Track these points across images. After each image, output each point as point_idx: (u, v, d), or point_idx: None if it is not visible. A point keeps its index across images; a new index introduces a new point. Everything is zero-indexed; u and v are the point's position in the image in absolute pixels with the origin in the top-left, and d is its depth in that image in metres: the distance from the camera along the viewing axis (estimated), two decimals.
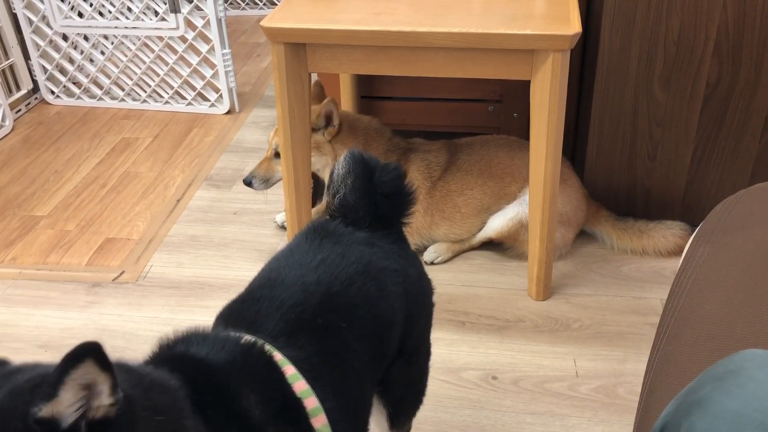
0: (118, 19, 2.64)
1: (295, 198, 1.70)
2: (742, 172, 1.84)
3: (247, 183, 1.90)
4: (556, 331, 1.63)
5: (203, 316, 1.71)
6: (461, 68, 1.50)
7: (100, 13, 2.70)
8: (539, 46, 1.42)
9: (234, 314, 0.95)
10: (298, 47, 1.53)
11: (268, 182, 1.89)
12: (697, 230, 1.24)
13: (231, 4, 3.81)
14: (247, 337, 0.87)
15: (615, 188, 1.92)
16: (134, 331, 1.68)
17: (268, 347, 0.85)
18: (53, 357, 1.72)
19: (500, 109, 2.20)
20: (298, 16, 1.55)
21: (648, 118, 1.81)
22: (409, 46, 1.48)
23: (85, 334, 1.67)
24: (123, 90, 2.79)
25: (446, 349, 1.59)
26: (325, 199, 1.96)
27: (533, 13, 1.51)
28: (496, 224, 1.79)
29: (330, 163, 1.80)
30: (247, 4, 3.81)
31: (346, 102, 2.21)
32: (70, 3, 2.65)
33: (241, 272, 1.86)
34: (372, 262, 0.98)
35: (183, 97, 2.76)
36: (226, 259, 1.91)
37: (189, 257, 1.93)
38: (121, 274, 1.87)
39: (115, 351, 1.61)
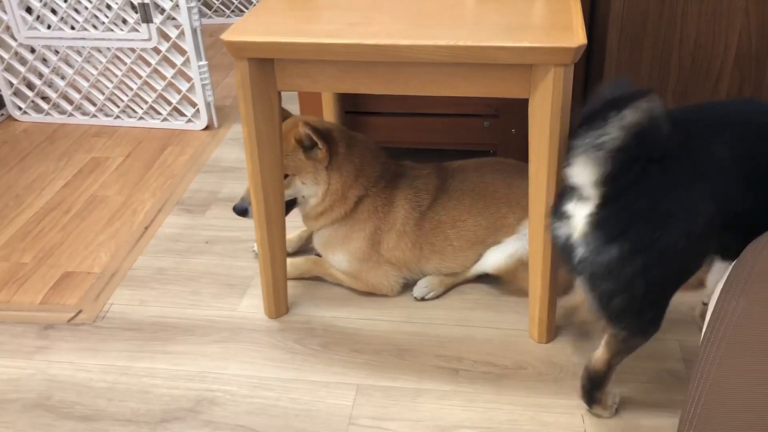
0: (86, 30, 2.46)
1: (267, 231, 1.52)
2: None
3: (241, 211, 1.62)
4: (561, 380, 1.44)
5: (165, 363, 1.53)
6: (450, 86, 1.32)
7: (71, 27, 2.52)
8: (538, 61, 1.24)
9: None
10: (265, 63, 1.35)
11: None
12: (726, 277, 1.05)
13: (216, 11, 3.63)
14: None
15: None
16: (86, 382, 1.49)
17: None
18: None
19: (497, 125, 2.02)
20: (265, 28, 1.37)
21: None
22: (390, 62, 1.30)
23: (30, 386, 1.49)
24: (95, 105, 2.61)
25: (437, 403, 1.40)
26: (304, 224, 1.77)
27: (531, 22, 1.33)
28: (493, 261, 1.60)
29: (322, 194, 1.60)
30: (233, 11, 3.64)
31: (328, 118, 2.03)
32: (35, 13, 2.47)
33: (209, 311, 1.68)
34: None
35: (158, 113, 2.58)
36: (193, 295, 1.73)
37: (154, 293, 1.74)
38: (78, 313, 1.69)
39: (63, 406, 1.42)
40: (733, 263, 1.04)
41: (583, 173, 1.11)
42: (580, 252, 1.15)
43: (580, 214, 1.16)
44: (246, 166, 1.47)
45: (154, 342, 1.59)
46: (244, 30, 1.35)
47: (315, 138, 1.52)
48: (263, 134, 1.41)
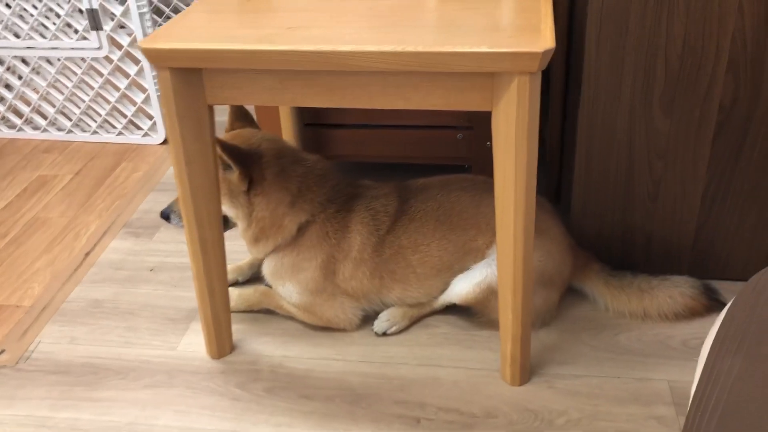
0: (32, 38, 2.29)
1: (203, 261, 1.34)
2: (765, 215, 1.49)
3: (164, 216, 1.52)
4: (535, 430, 1.27)
5: (90, 413, 1.35)
6: (401, 98, 1.15)
7: (16, 35, 2.35)
8: (500, 68, 1.07)
9: None
10: (191, 73, 1.18)
11: None
12: (716, 328, 0.88)
13: None
14: None
15: (608, 236, 1.56)
16: None
17: None
18: None
19: (471, 137, 1.85)
20: (191, 33, 1.20)
21: (647, 150, 1.45)
22: (332, 71, 1.13)
23: None
24: (45, 119, 2.44)
25: None
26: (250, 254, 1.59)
27: (495, 24, 1.16)
28: (461, 289, 1.43)
29: (243, 218, 1.44)
30: None
31: (287, 131, 1.86)
32: None
33: (145, 350, 1.50)
34: None
35: (113, 126, 2.41)
36: (129, 332, 1.55)
37: (86, 330, 1.57)
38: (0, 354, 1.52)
39: None
40: (723, 311, 0.87)
41: None
42: None
43: None
44: (177, 188, 1.29)
45: (80, 387, 1.42)
46: (166, 35, 1.18)
47: (226, 159, 1.34)
48: (192, 154, 1.24)
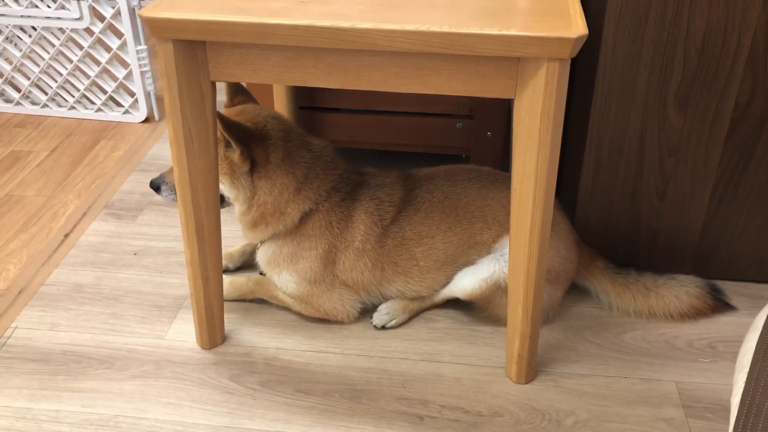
0: (6, 5, 2.16)
1: (198, 248, 1.27)
2: None
3: (155, 186, 1.42)
4: (542, 431, 1.23)
5: (73, 405, 1.27)
6: (419, 81, 1.09)
7: None
8: (529, 53, 1.01)
9: None
10: (195, 46, 1.11)
11: None
12: (756, 334, 0.84)
13: None
14: None
15: (613, 232, 1.53)
16: None
17: None
18: None
19: (471, 126, 1.80)
20: (196, 3, 1.12)
21: (659, 146, 1.42)
22: (348, 49, 1.07)
23: None
24: (19, 91, 2.31)
25: None
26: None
27: (519, 7, 1.11)
28: (466, 284, 1.38)
29: (243, 200, 1.37)
30: None
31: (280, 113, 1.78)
32: None
33: (132, 338, 1.42)
34: None
35: (92, 102, 2.29)
36: (114, 319, 1.47)
37: (68, 315, 1.48)
38: None
39: None
40: (763, 317, 0.83)
41: None
42: None
43: None
44: (174, 170, 1.21)
45: (62, 377, 1.33)
46: (169, 4, 1.10)
47: (227, 136, 1.27)
48: (193, 134, 1.16)
